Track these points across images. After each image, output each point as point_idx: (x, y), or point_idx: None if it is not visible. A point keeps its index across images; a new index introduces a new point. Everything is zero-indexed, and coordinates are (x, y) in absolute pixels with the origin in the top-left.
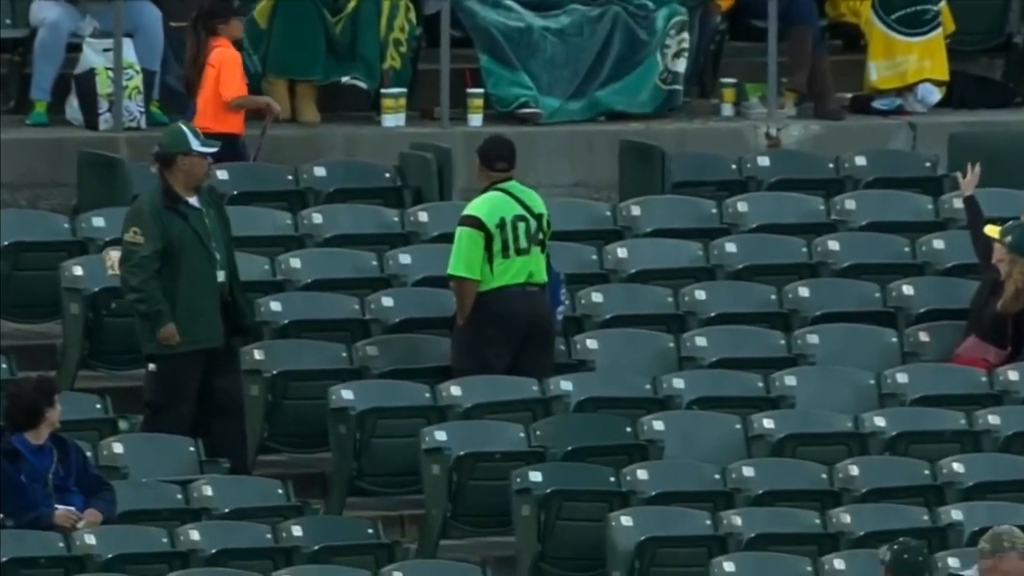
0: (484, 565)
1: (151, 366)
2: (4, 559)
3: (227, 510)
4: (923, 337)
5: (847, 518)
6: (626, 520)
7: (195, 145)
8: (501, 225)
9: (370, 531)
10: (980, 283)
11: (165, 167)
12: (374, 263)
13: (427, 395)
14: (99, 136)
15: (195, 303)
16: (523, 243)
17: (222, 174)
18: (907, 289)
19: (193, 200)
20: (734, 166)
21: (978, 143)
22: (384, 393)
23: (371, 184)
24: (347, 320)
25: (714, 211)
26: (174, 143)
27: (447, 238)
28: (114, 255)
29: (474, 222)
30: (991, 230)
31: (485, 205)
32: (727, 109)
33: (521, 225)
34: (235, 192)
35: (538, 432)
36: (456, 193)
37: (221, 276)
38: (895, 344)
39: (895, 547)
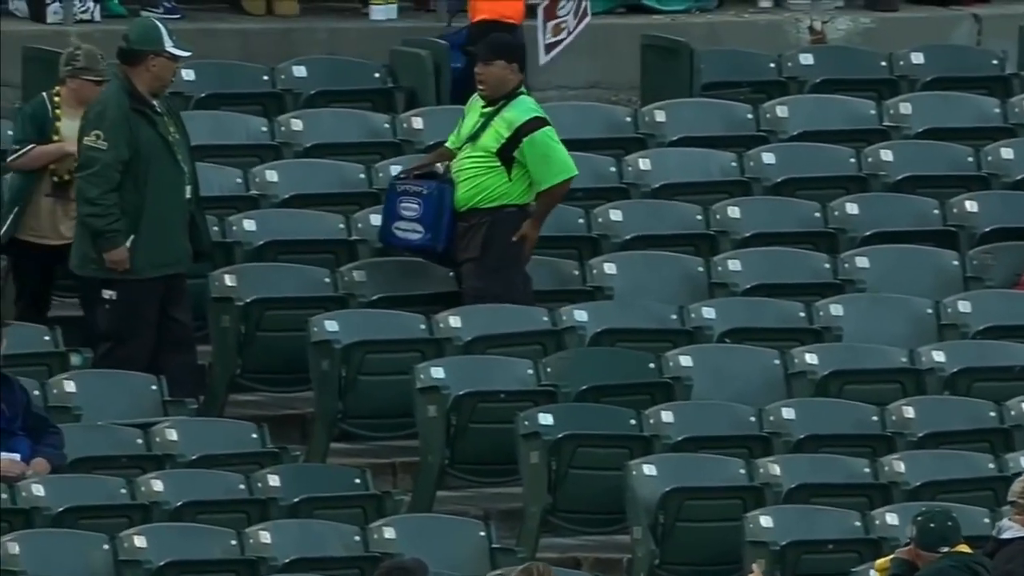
0: (486, 519)
1: (109, 293)
2: None
3: (194, 457)
4: (988, 259)
5: (901, 466)
6: (648, 468)
7: (168, 45)
8: None
9: (357, 481)
10: None
11: (130, 66)
12: (361, 176)
13: (422, 326)
14: (47, 30)
15: (163, 221)
16: None
17: (187, 73)
18: (970, 205)
19: (156, 104)
20: (772, 65)
21: None
22: (373, 324)
23: (358, 85)
24: (331, 241)
25: (749, 116)
26: (145, 40)
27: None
28: None
29: (546, 121)
30: None
31: (538, 108)
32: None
33: None
34: (203, 94)
35: (548, 368)
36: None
37: (188, 192)
38: (956, 268)
39: (919, 519)
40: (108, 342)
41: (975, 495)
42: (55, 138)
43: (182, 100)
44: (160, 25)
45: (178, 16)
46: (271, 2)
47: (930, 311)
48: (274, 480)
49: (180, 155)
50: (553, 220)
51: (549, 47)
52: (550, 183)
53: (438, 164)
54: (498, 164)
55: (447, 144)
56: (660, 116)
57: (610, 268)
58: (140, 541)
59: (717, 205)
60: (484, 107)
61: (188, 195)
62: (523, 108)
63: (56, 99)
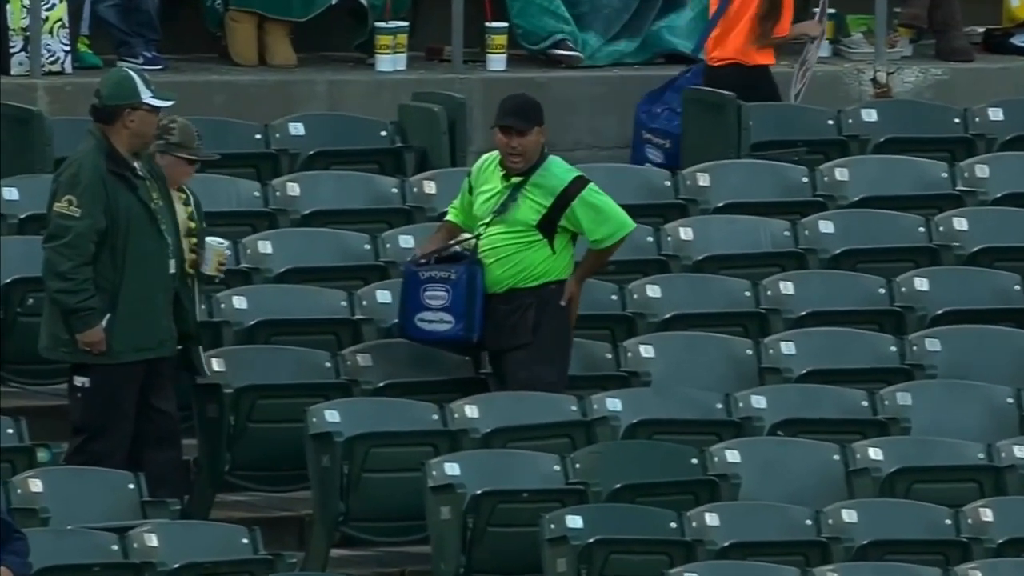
0: None
1: (81, 380)
2: None
3: (177, 565)
4: None
5: (979, 575)
6: None
7: (146, 96)
8: None
9: None
10: None
11: (106, 124)
12: (366, 247)
13: (435, 417)
14: (11, 82)
15: (144, 299)
16: None
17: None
18: None
19: (137, 166)
20: (831, 122)
21: None
22: (379, 414)
23: (362, 145)
24: (332, 320)
25: (805, 180)
26: (119, 94)
27: None
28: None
29: (586, 178)
30: None
31: (572, 167)
32: (823, 48)
33: None
34: None
35: (577, 464)
36: (471, 157)
37: (172, 266)
38: None
39: None
40: (80, 435)
41: None
42: None
43: None
44: (134, 75)
45: (160, 67)
46: (264, 51)
47: (1010, 400)
48: None
49: (164, 224)
50: (583, 297)
51: (797, 95)
52: (611, 242)
53: (455, 245)
54: (539, 238)
55: (449, 219)
56: (704, 180)
57: (647, 351)
58: None
59: (768, 280)
60: (505, 176)
61: (172, 269)
62: (558, 171)
63: None
